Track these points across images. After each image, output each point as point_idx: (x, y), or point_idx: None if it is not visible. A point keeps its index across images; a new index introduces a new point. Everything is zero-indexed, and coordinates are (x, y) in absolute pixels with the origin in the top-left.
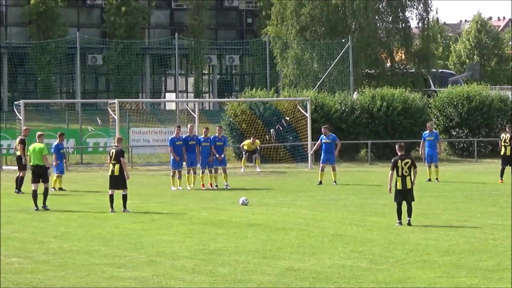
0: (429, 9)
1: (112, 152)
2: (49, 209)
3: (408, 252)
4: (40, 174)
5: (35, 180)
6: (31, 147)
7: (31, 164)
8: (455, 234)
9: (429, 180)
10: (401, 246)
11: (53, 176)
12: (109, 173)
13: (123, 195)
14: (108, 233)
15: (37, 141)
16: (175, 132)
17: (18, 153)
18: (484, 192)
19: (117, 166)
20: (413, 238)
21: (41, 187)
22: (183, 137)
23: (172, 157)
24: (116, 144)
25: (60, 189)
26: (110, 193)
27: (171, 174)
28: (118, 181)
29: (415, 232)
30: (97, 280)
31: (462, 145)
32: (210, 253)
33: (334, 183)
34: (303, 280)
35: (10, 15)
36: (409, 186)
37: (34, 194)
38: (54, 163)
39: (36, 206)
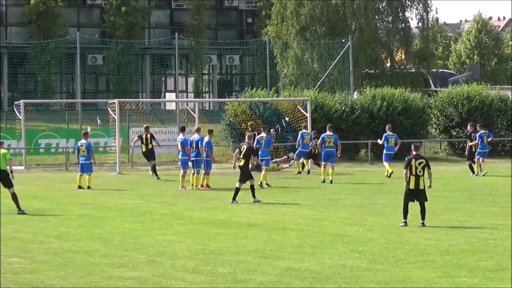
0: (429, 9)
1: (243, 148)
2: (26, 213)
3: (408, 252)
4: (4, 179)
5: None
6: None
7: None
8: (455, 234)
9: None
10: (401, 246)
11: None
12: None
13: (250, 186)
14: (108, 233)
15: None
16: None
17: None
18: (484, 192)
19: (243, 161)
20: (413, 238)
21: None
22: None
23: (206, 159)
24: (247, 141)
25: (88, 187)
26: (237, 186)
27: (204, 173)
28: (243, 175)
29: (415, 232)
30: (97, 280)
31: (462, 145)
32: (210, 253)
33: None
34: (303, 280)
35: (10, 15)
36: (421, 186)
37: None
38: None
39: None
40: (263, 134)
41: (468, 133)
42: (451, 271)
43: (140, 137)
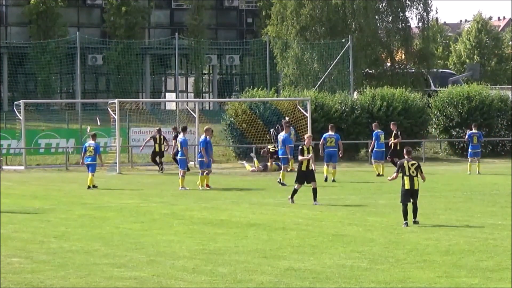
0: (429, 9)
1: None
2: None
3: (408, 252)
4: None
5: None
6: None
7: None
8: (455, 234)
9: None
10: (401, 246)
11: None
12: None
13: (313, 188)
14: (108, 233)
15: None
16: (209, 135)
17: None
18: (484, 192)
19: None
20: (413, 238)
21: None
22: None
23: (202, 158)
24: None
25: (94, 186)
26: (295, 187)
27: (201, 173)
28: (307, 176)
29: (415, 232)
30: (97, 280)
31: (462, 145)
32: (210, 253)
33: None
34: (303, 280)
35: (10, 15)
36: (416, 186)
37: None
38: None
39: None
40: (282, 133)
41: (393, 133)
42: (451, 271)
43: (153, 137)
